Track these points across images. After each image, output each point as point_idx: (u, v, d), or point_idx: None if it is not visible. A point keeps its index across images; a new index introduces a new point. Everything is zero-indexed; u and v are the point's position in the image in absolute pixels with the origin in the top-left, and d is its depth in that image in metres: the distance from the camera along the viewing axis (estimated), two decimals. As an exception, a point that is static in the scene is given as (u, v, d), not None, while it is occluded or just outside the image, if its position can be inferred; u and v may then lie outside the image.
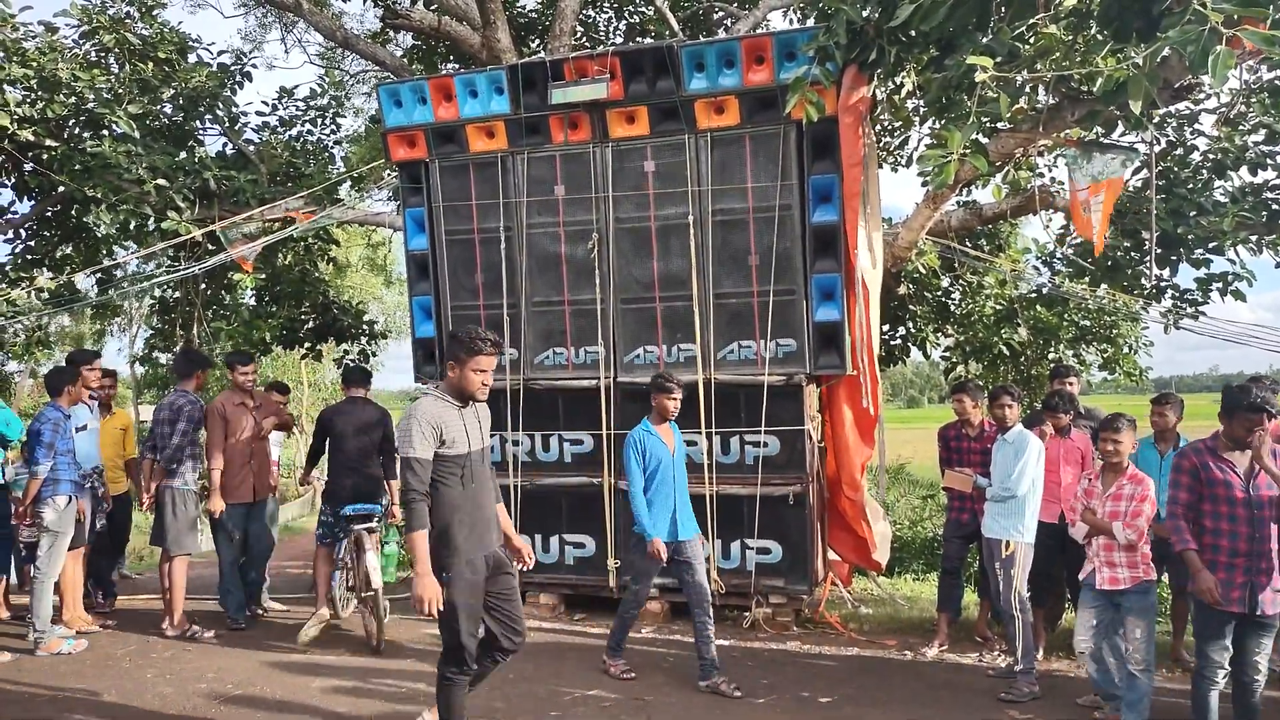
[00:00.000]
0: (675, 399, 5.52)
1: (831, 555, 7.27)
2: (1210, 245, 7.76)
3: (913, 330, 10.61)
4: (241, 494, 6.73)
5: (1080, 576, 4.78)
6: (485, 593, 4.05)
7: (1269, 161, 7.67)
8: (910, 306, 10.31)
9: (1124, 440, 4.65)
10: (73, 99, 8.65)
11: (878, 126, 9.58)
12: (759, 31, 9.23)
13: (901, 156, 10.34)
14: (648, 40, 11.02)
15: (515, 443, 7.10)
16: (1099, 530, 4.60)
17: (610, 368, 6.89)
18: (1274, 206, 7.67)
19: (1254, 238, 7.81)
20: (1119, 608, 4.59)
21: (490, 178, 7.10)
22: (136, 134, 8.67)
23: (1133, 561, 4.53)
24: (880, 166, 9.03)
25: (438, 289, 7.34)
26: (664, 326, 6.78)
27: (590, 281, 6.92)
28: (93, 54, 9.35)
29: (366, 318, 11.78)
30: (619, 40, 12.19)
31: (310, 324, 10.74)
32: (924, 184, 7.07)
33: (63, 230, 9.98)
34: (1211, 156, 7.94)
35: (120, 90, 8.98)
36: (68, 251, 10.12)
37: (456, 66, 11.61)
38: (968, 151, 4.86)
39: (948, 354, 10.66)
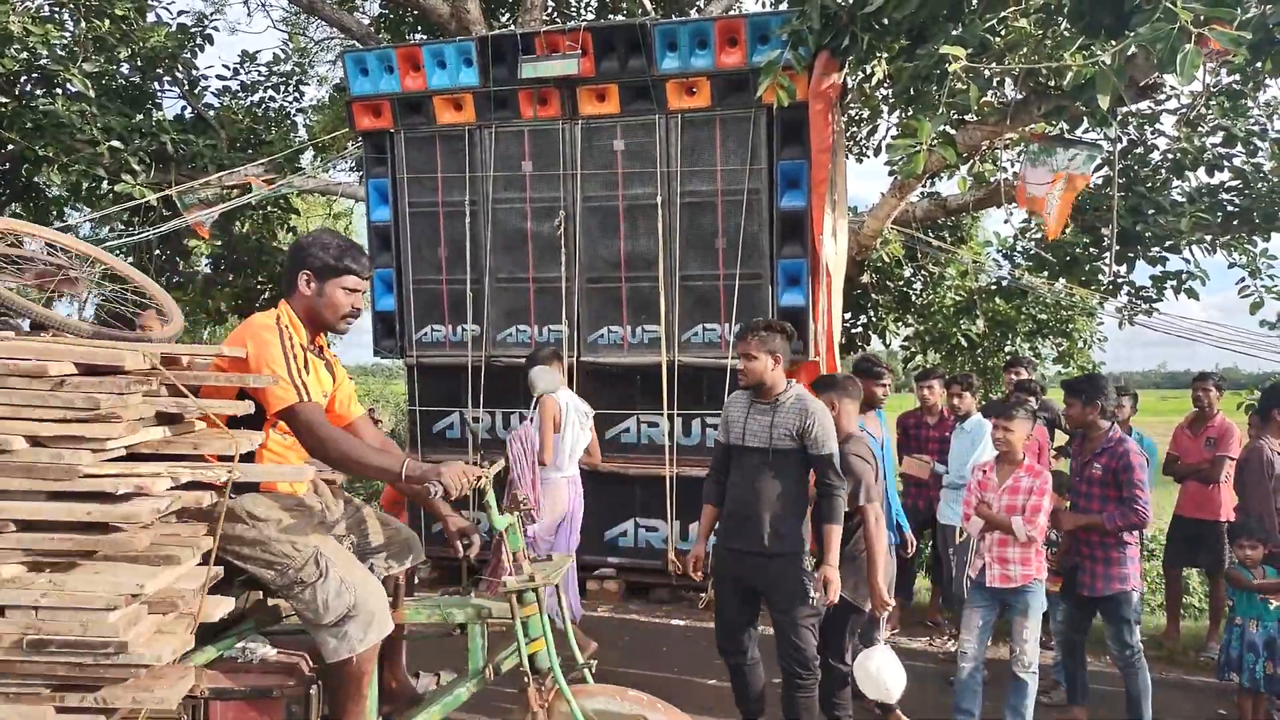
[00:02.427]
0: (885, 385, 5.17)
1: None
2: (1167, 244, 7.92)
3: (874, 319, 10.71)
4: None
5: (971, 574, 4.54)
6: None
7: (1225, 163, 7.83)
8: (872, 295, 10.40)
9: (1016, 430, 4.37)
10: (25, 54, 8.37)
11: (845, 115, 9.62)
12: (732, 13, 9.19)
13: (868, 146, 10.41)
14: (619, 17, 10.93)
15: (476, 420, 7.05)
16: (996, 525, 4.35)
17: (574, 347, 6.85)
18: (1229, 208, 7.84)
19: (1209, 238, 7.98)
20: (1008, 607, 4.39)
21: (457, 151, 7.01)
22: (91, 93, 8.42)
23: (1025, 559, 4.29)
24: (847, 155, 9.07)
25: (399, 262, 7.24)
26: (629, 307, 6.75)
27: (556, 259, 6.86)
28: (46, 8, 9.06)
29: (326, 289, 11.62)
30: (590, 16, 12.07)
31: (267, 294, 10.56)
32: (891, 173, 7.12)
33: (11, 189, 9.69)
34: (1171, 156, 8.10)
35: (75, 48, 8.71)
36: (17, 211, 9.84)
37: (424, 37, 11.43)
38: (936, 142, 4.89)
39: (907, 343, 10.78)
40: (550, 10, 11.19)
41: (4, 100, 8.46)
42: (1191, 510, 6.14)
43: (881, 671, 4.06)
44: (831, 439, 3.87)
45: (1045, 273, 9.03)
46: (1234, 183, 7.91)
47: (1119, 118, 7.32)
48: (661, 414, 6.65)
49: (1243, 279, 8.08)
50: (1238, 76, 7.15)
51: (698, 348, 6.67)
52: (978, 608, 4.46)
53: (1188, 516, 6.16)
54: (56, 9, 9.07)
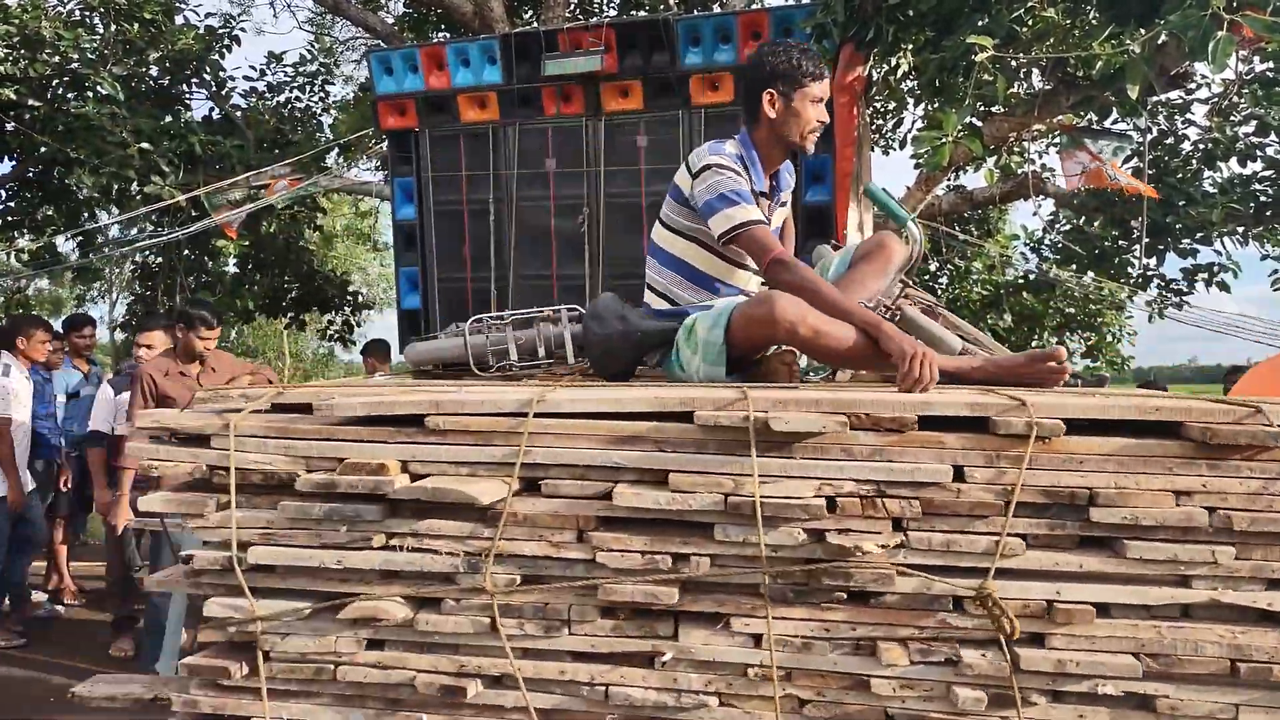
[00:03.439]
0: None
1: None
2: (1198, 236, 7.80)
3: (899, 314, 10.63)
4: None
5: None
6: None
7: (1259, 153, 7.70)
8: (897, 290, 10.33)
9: None
10: (56, 58, 8.50)
11: (870, 108, 9.56)
12: (755, 7, 9.15)
13: (894, 138, 10.34)
14: (642, 13, 10.93)
15: (501, 416, 7.07)
16: None
17: (598, 343, 6.85)
18: (1262, 199, 7.70)
19: (1241, 229, 7.85)
20: None
21: (481, 149, 7.03)
22: (121, 96, 8.53)
23: None
24: (873, 148, 9.01)
25: (425, 260, 7.27)
26: (653, 303, 6.74)
27: (580, 256, 6.87)
28: (76, 13, 9.18)
29: (351, 288, 11.71)
30: (613, 12, 12.07)
31: (294, 293, 10.66)
32: (917, 166, 7.06)
33: (44, 192, 9.84)
34: (1202, 146, 7.97)
35: (105, 51, 8.83)
36: (49, 213, 9.99)
37: (448, 36, 11.48)
38: (963, 134, 4.86)
39: (933, 338, 10.70)
40: (573, 7, 11.20)
41: (36, 104, 8.59)
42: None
43: None
44: None
45: (1074, 266, 8.92)
46: (1267, 173, 7.76)
47: (1149, 107, 7.23)
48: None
49: (1276, 271, 7.95)
50: (1271, 64, 7.03)
51: (722, 343, 6.65)
52: None
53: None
54: (86, 13, 9.19)
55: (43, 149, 8.79)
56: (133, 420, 4.79)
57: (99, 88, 8.63)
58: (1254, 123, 7.70)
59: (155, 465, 2.01)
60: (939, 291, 10.43)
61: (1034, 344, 10.01)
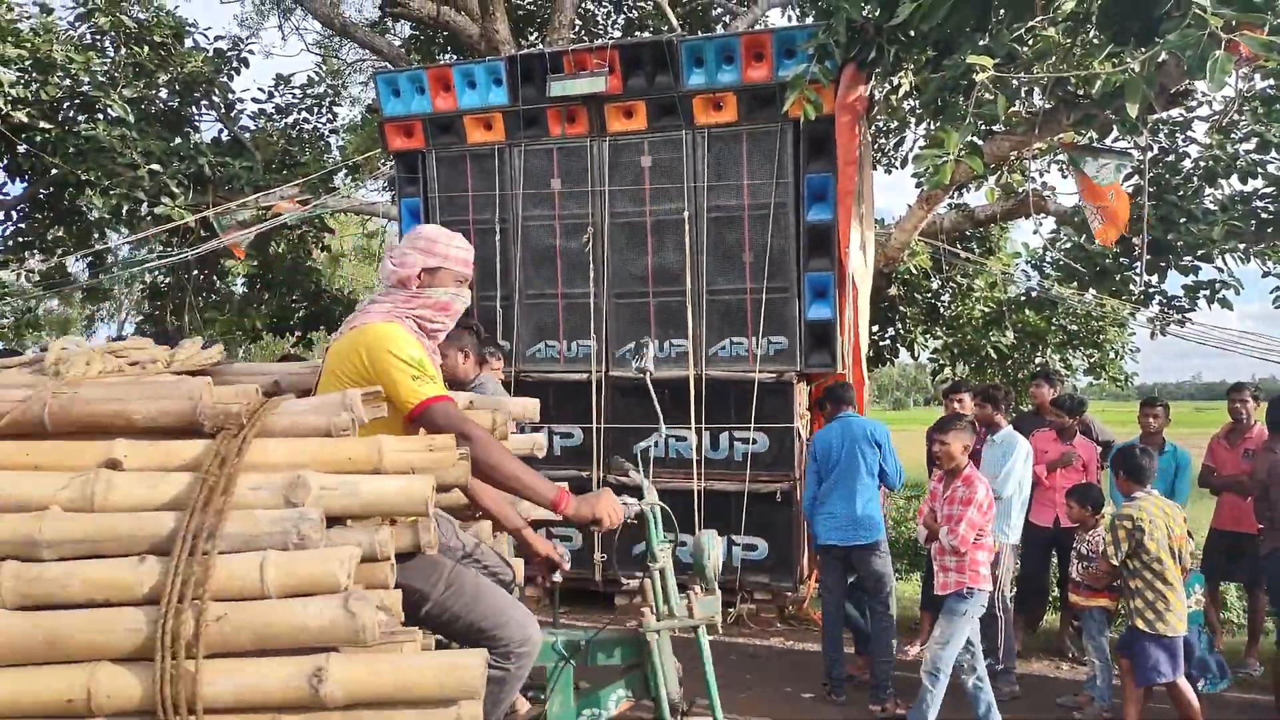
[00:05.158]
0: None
1: (819, 552, 7.30)
2: (1199, 253, 7.83)
3: (902, 331, 10.66)
4: None
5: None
6: None
7: (1259, 170, 7.74)
8: (900, 308, 10.37)
9: (952, 441, 4.44)
10: (67, 81, 8.61)
11: (873, 127, 9.63)
12: (758, 28, 9.25)
13: (895, 157, 10.41)
14: (645, 35, 11.04)
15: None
16: (932, 534, 4.48)
17: (602, 362, 6.90)
18: (1263, 215, 7.74)
19: (1242, 246, 7.88)
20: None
21: (487, 169, 7.11)
22: (131, 118, 8.64)
23: (960, 566, 4.36)
24: (874, 167, 9.09)
25: (431, 279, 7.33)
26: (657, 322, 6.79)
27: (584, 275, 6.92)
28: (88, 36, 9.32)
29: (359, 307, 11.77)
30: (617, 34, 12.20)
31: (301, 312, 10.74)
32: (918, 185, 7.11)
33: (55, 213, 9.94)
34: (1203, 164, 8.01)
35: (115, 74, 8.95)
36: (59, 234, 10.08)
37: (454, 57, 11.60)
38: (963, 153, 4.90)
39: (935, 356, 10.72)
40: (578, 29, 11.32)
41: (47, 126, 8.70)
42: (1230, 523, 6.02)
43: None
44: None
45: (1075, 283, 8.95)
46: (1268, 190, 7.81)
47: (1149, 125, 7.27)
48: (689, 428, 6.67)
49: (1278, 287, 7.97)
50: (1271, 81, 7.08)
51: (725, 361, 6.69)
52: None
53: (1225, 530, 6.05)
54: (97, 36, 9.32)
55: (54, 171, 8.89)
56: None
57: (109, 110, 8.74)
58: (1254, 140, 7.75)
59: None
60: (941, 309, 10.47)
61: (1037, 360, 10.03)
